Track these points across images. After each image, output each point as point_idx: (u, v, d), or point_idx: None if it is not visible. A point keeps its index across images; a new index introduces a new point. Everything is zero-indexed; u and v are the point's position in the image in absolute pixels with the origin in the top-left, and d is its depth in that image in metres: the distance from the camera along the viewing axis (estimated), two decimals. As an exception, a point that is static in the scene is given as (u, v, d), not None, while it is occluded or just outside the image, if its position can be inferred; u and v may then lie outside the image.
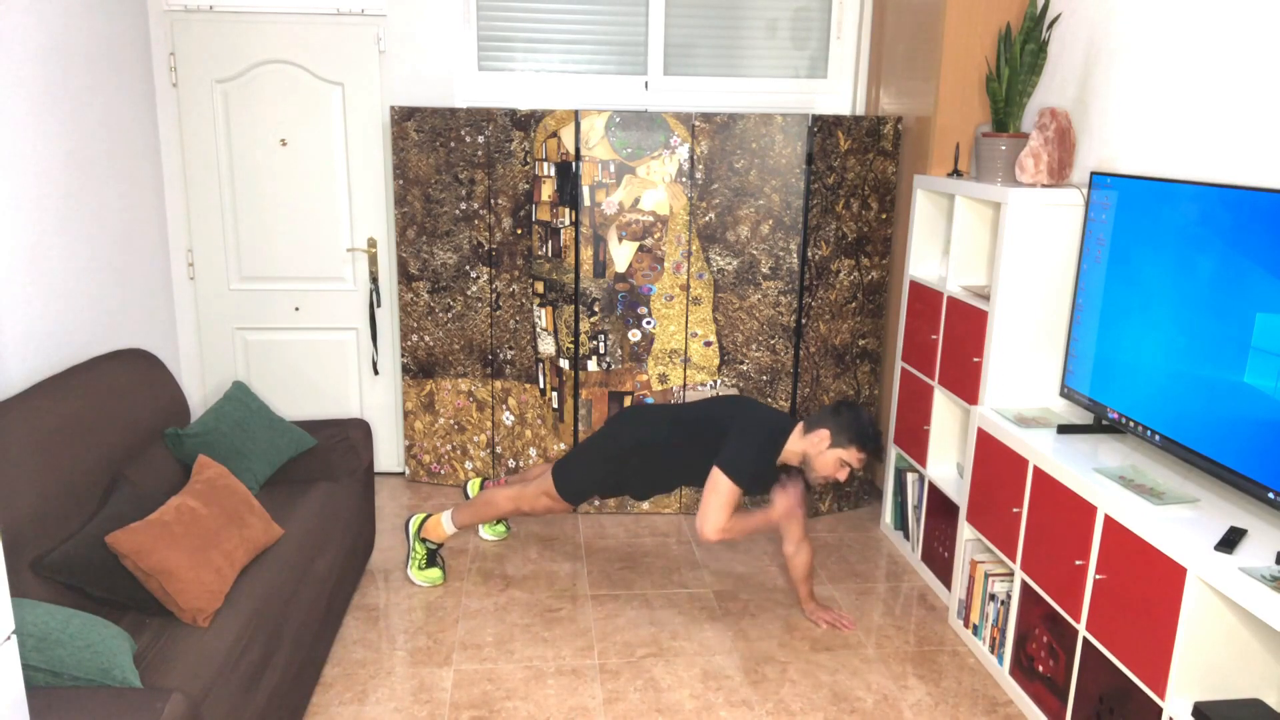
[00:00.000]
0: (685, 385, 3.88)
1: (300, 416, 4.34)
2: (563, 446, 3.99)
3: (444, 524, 3.33)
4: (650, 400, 3.88)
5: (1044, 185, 3.03)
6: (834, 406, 2.93)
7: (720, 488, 2.87)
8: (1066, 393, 2.92)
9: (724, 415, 3.02)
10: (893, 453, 3.78)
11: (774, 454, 2.94)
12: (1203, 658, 2.08)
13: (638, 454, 3.08)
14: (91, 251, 3.28)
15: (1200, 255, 2.36)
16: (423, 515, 3.42)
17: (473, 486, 3.76)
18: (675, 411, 3.11)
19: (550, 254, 3.83)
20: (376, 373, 4.31)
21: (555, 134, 3.70)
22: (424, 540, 3.36)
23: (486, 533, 3.74)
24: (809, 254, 3.74)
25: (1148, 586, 2.18)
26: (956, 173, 3.43)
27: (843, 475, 2.91)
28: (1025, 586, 2.74)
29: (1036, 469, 2.66)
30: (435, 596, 3.30)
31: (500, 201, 3.91)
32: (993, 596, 2.92)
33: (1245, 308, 2.20)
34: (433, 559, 3.38)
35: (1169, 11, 2.73)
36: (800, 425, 2.96)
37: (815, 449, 2.90)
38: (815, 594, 3.31)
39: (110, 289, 3.42)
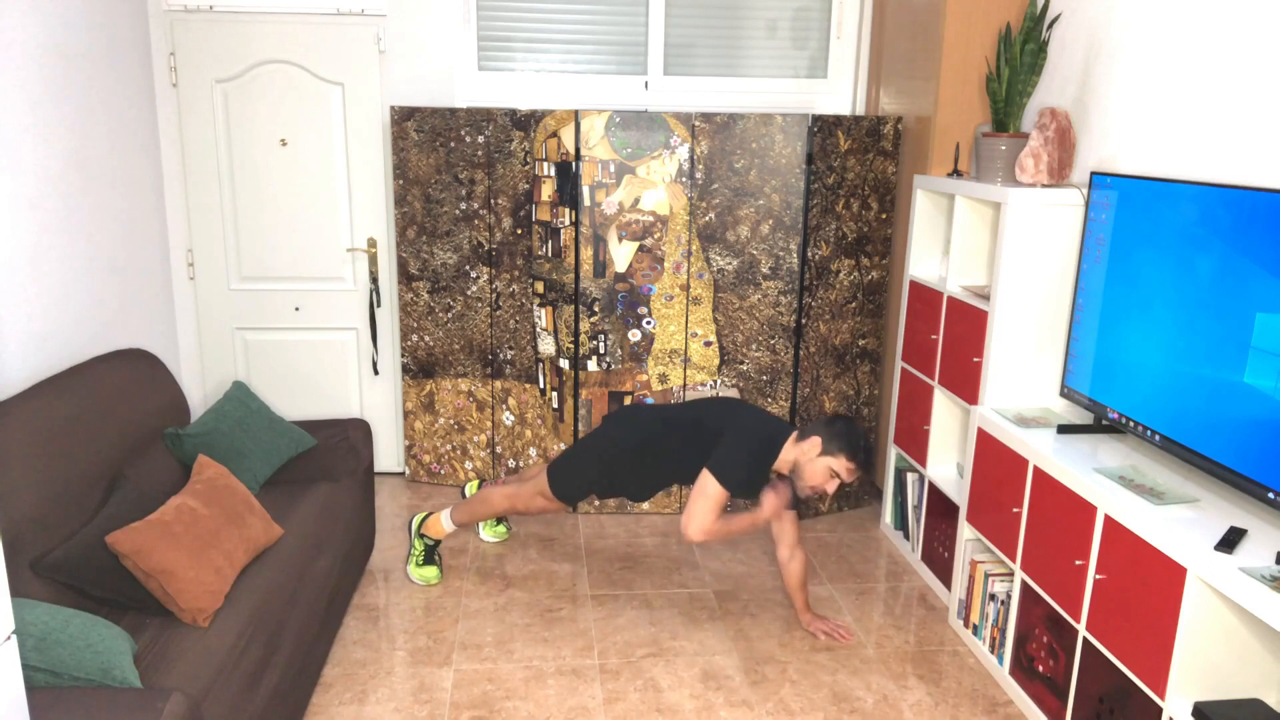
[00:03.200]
0: (685, 385, 3.88)
1: (300, 416, 4.34)
2: (562, 446, 3.99)
3: (443, 521, 3.34)
4: (650, 400, 3.88)
5: (1044, 185, 3.03)
6: (828, 417, 2.89)
7: (708, 491, 2.85)
8: (1066, 393, 2.92)
9: (718, 418, 2.99)
10: (892, 453, 3.78)
11: (768, 460, 2.91)
12: (1203, 658, 2.08)
13: (630, 455, 3.06)
14: (91, 252, 3.28)
15: (1200, 255, 2.36)
16: (425, 513, 3.43)
17: (471, 488, 3.76)
18: (669, 412, 3.08)
19: (550, 254, 3.83)
20: (376, 373, 4.31)
21: (555, 134, 3.70)
22: (423, 536, 3.37)
23: (487, 534, 3.74)
24: (809, 254, 3.74)
25: (1148, 586, 2.18)
26: (956, 173, 3.43)
27: (831, 487, 2.85)
28: (1025, 586, 2.74)
29: (1036, 469, 2.66)
30: (435, 596, 3.30)
31: (500, 201, 3.91)
32: (993, 596, 2.92)
33: (1245, 308, 2.20)
34: (430, 557, 3.39)
35: (1169, 11, 2.73)
36: (795, 434, 2.94)
37: (805, 456, 2.86)
38: (811, 604, 3.29)
39: (110, 289, 3.42)
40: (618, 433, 3.09)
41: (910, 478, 3.64)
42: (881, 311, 4.01)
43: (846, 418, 2.89)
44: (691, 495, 2.88)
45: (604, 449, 3.09)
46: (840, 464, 2.83)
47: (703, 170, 3.68)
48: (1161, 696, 2.13)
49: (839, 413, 2.94)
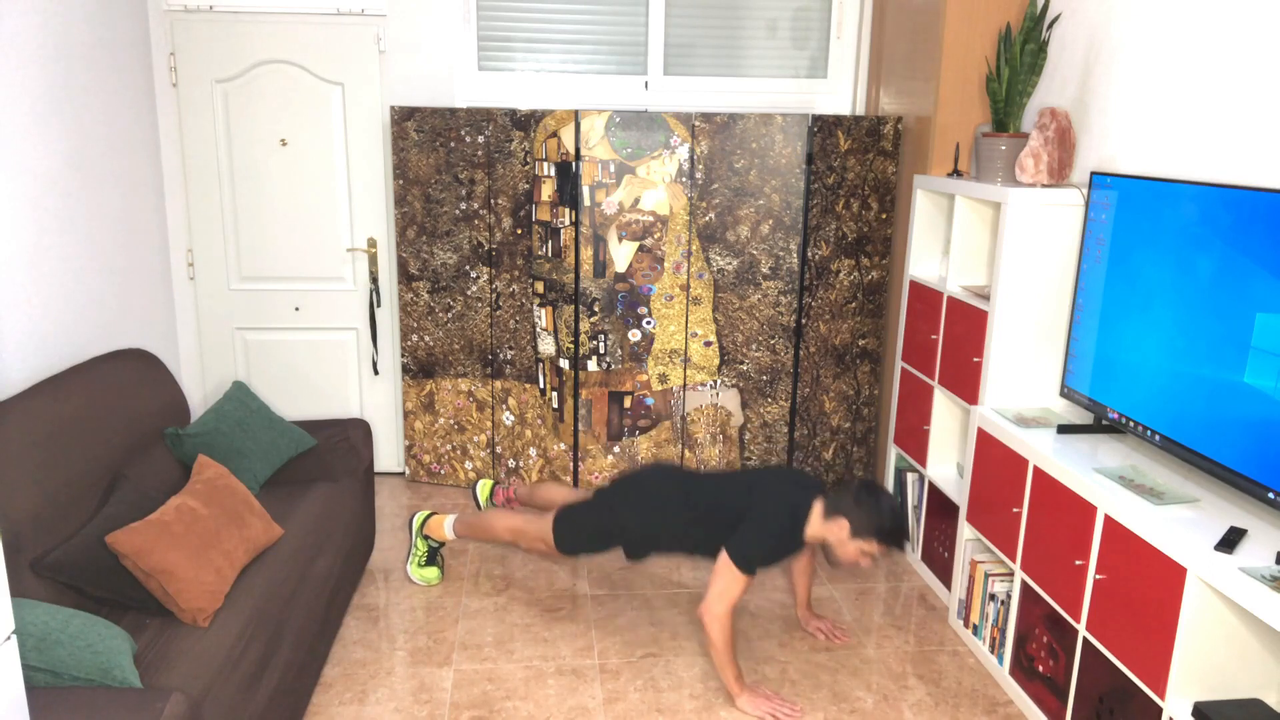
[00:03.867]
0: (685, 385, 3.88)
1: (300, 416, 4.34)
2: (562, 447, 3.99)
3: (445, 527, 3.32)
4: (650, 401, 3.88)
5: (1044, 185, 3.03)
6: (855, 492, 2.68)
7: (726, 575, 2.64)
8: (1066, 393, 2.92)
9: (743, 498, 2.78)
10: (892, 453, 3.78)
11: (792, 540, 2.71)
12: (1203, 658, 2.08)
13: (638, 537, 2.92)
14: (91, 252, 3.28)
15: (1200, 255, 2.36)
16: (427, 512, 3.40)
17: (482, 489, 3.65)
18: (690, 488, 2.87)
19: (550, 254, 3.83)
20: (376, 373, 4.31)
21: (555, 134, 3.70)
22: (426, 537, 3.36)
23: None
24: (809, 254, 3.74)
25: (1148, 586, 2.18)
26: (956, 173, 3.43)
27: (866, 563, 2.71)
28: (1025, 586, 2.74)
29: (1036, 469, 2.66)
30: (435, 596, 3.30)
31: (500, 201, 3.91)
32: (993, 596, 2.92)
33: (1245, 308, 2.20)
34: (432, 558, 3.38)
35: (1169, 11, 2.73)
36: (820, 505, 2.73)
37: (835, 537, 2.68)
38: (812, 604, 3.28)
39: (110, 289, 3.42)
40: (628, 516, 2.90)
41: (910, 478, 3.64)
42: (881, 311, 4.01)
43: (874, 490, 2.68)
44: (713, 574, 2.69)
45: (611, 528, 2.94)
46: (872, 546, 2.67)
47: (703, 170, 3.68)
48: (1161, 696, 2.13)
49: (867, 481, 2.70)
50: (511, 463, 4.16)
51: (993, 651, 2.92)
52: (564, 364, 3.90)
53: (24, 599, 2.04)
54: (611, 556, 3.63)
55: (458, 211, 3.96)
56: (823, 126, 3.64)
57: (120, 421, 2.72)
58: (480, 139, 3.87)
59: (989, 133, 3.25)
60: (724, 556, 2.67)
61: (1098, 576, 2.36)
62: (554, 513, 3.05)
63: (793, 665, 2.94)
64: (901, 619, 3.22)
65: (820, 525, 2.71)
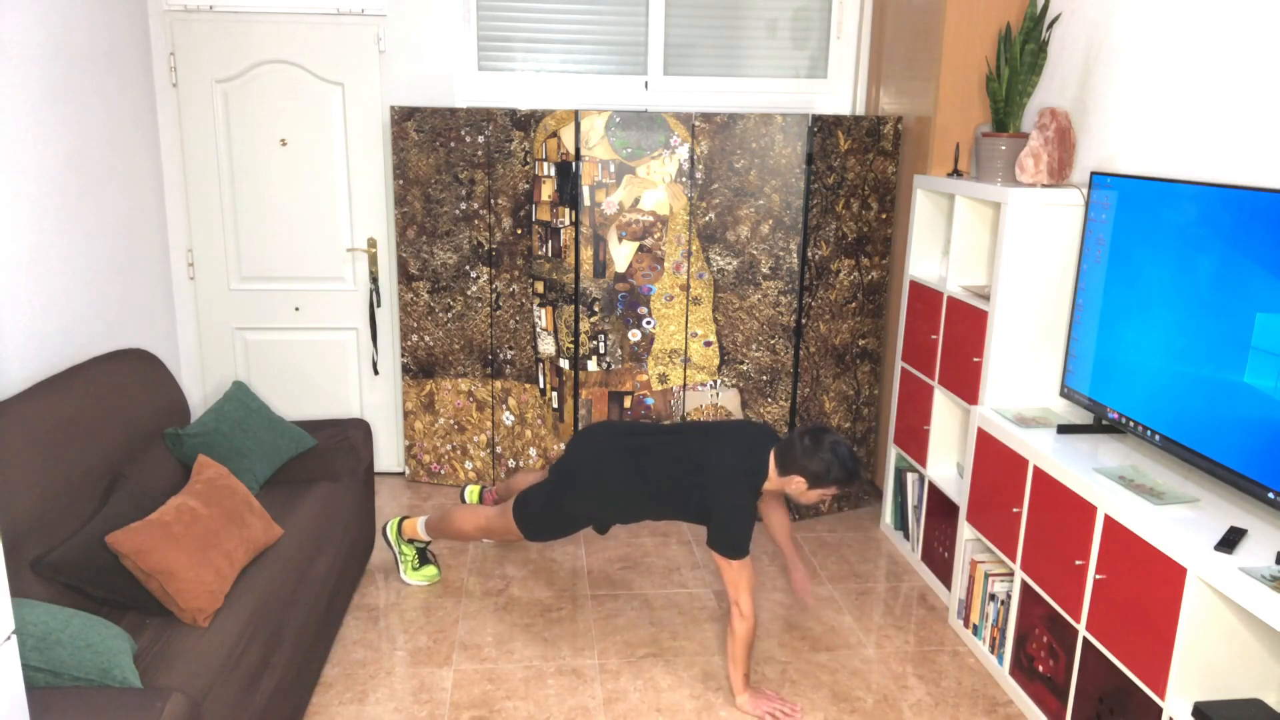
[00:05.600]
0: (685, 385, 3.88)
1: (300, 416, 4.34)
2: (562, 447, 3.99)
3: (419, 527, 3.32)
4: (648, 398, 3.87)
5: (1044, 185, 3.03)
6: (804, 442, 2.71)
7: (728, 570, 2.68)
8: (1066, 393, 2.92)
9: (697, 475, 2.78)
10: (893, 453, 3.78)
11: (756, 498, 2.77)
12: (1203, 658, 2.08)
13: (603, 516, 2.96)
14: (91, 252, 3.28)
15: (1200, 255, 2.36)
16: (397, 519, 3.39)
17: (470, 493, 3.68)
18: (642, 465, 2.86)
19: (550, 254, 3.83)
20: (376, 373, 4.31)
21: (555, 134, 3.70)
22: (411, 541, 3.35)
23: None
24: (809, 254, 3.74)
25: (1148, 586, 2.18)
26: (956, 173, 3.43)
27: (826, 501, 2.80)
28: (1025, 586, 2.74)
29: (1036, 469, 2.66)
30: (435, 596, 3.30)
31: (500, 201, 3.91)
32: (993, 596, 2.92)
33: (1245, 308, 2.20)
34: (424, 557, 3.38)
35: (1169, 11, 2.73)
36: (774, 459, 2.77)
37: (795, 490, 2.74)
38: (810, 605, 3.28)
39: (110, 289, 3.42)
40: (587, 504, 2.93)
41: (910, 478, 3.63)
42: (881, 311, 4.01)
43: (818, 439, 2.71)
44: (723, 577, 2.72)
45: (572, 516, 2.96)
46: (830, 491, 2.75)
47: (703, 170, 3.68)
48: (1161, 696, 2.13)
49: (814, 427, 2.74)
50: (511, 463, 4.16)
51: (993, 651, 2.92)
52: (564, 364, 3.90)
53: (24, 599, 2.04)
54: (611, 557, 3.63)
55: (458, 211, 3.96)
56: (823, 126, 3.64)
57: (120, 421, 2.72)
58: (480, 139, 3.87)
59: (989, 133, 3.25)
60: (716, 556, 2.71)
61: (1098, 576, 2.36)
62: (512, 503, 3.06)
63: (793, 665, 2.94)
64: (901, 619, 3.22)
65: (778, 480, 2.78)
